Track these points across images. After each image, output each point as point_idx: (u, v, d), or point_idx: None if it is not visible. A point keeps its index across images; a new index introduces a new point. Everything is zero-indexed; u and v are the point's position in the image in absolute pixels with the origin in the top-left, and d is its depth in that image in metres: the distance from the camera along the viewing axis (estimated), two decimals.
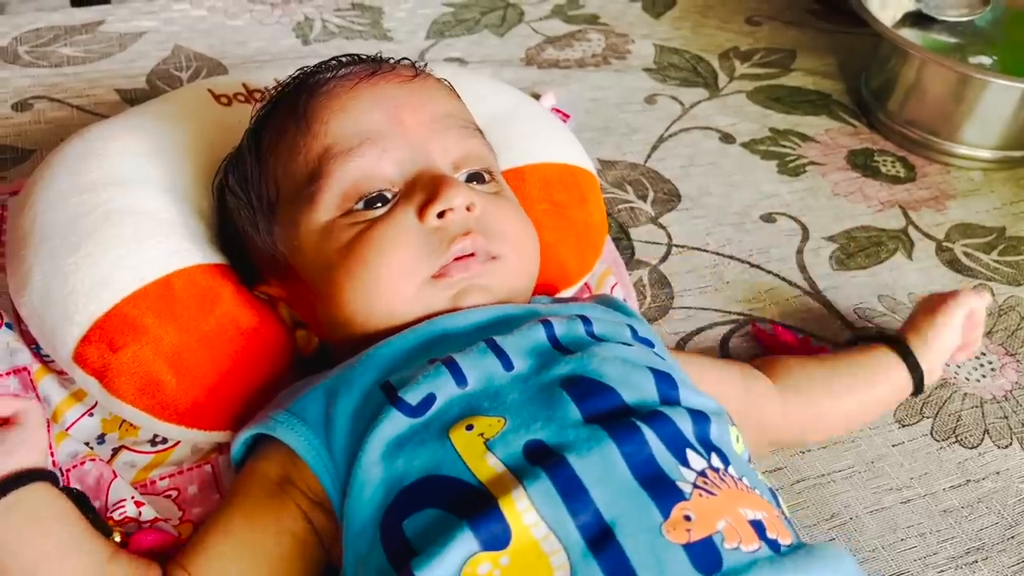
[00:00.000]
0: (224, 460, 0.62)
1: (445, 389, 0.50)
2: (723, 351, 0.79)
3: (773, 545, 0.45)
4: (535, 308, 0.59)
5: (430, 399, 0.49)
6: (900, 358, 0.70)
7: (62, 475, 0.58)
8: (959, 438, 0.73)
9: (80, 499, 0.54)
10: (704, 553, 0.43)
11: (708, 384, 0.57)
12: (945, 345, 0.72)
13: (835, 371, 0.69)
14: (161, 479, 0.61)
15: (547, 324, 0.55)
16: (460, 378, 0.50)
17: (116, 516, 0.56)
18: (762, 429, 0.65)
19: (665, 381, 0.52)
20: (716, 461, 0.48)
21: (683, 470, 0.46)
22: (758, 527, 0.45)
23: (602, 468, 0.45)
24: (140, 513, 0.57)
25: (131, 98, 0.98)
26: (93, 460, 0.59)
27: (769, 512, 0.47)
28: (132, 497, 0.57)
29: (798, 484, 0.68)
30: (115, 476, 0.58)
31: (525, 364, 0.52)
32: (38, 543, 0.49)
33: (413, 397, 0.49)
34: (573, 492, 0.44)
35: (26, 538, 0.49)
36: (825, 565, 0.44)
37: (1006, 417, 0.76)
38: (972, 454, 0.72)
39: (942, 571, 0.64)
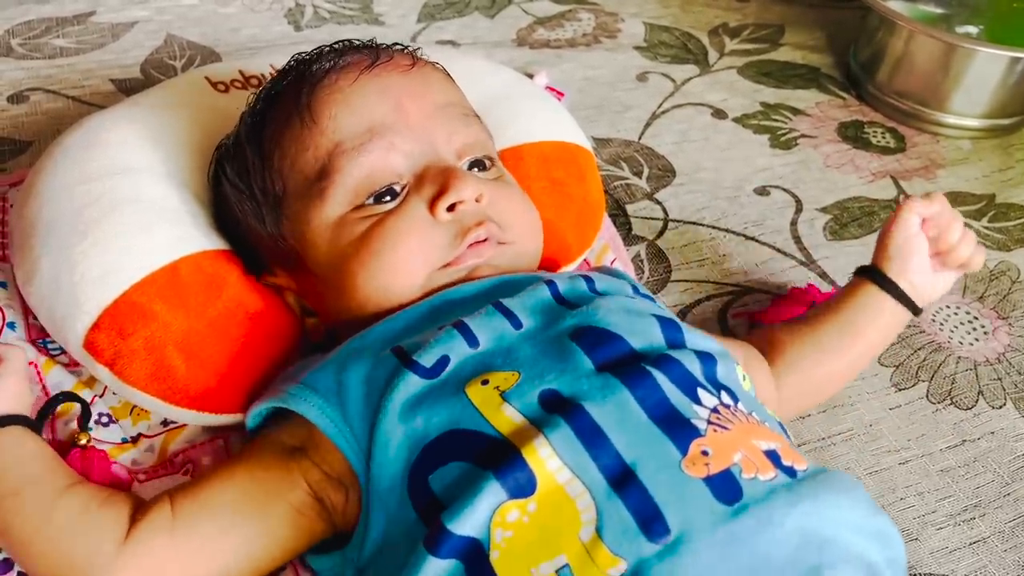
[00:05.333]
0: (236, 436, 0.63)
1: (458, 350, 0.51)
2: (721, 322, 0.80)
3: (789, 471, 0.47)
4: (538, 273, 0.61)
5: (444, 360, 0.51)
6: (882, 289, 0.68)
7: None
8: (954, 400, 0.75)
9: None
10: (724, 485, 0.44)
11: None
12: (915, 257, 0.68)
13: (825, 334, 0.68)
14: (175, 456, 0.62)
15: (551, 284, 0.56)
16: (471, 339, 0.52)
17: None
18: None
19: (669, 326, 0.54)
20: (726, 398, 0.50)
21: (696, 408, 0.48)
22: (773, 456, 0.47)
23: (619, 413, 0.47)
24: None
25: (126, 88, 0.98)
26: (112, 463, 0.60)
27: (781, 442, 0.49)
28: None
29: (799, 448, 0.70)
30: (132, 480, 0.60)
31: (533, 321, 0.54)
32: None
33: (428, 359, 0.50)
34: (593, 437, 0.45)
35: None
36: (839, 488, 0.46)
37: (999, 379, 0.77)
38: (967, 415, 0.74)
39: (941, 528, 0.65)
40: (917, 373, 0.77)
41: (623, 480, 0.44)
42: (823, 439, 0.71)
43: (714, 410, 0.48)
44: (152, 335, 0.59)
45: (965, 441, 0.72)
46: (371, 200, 0.58)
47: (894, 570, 0.47)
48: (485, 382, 0.49)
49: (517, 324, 0.53)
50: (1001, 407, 0.75)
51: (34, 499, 0.51)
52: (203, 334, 0.60)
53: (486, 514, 0.44)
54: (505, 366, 0.50)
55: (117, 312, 0.59)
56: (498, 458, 0.45)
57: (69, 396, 0.61)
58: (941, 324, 0.82)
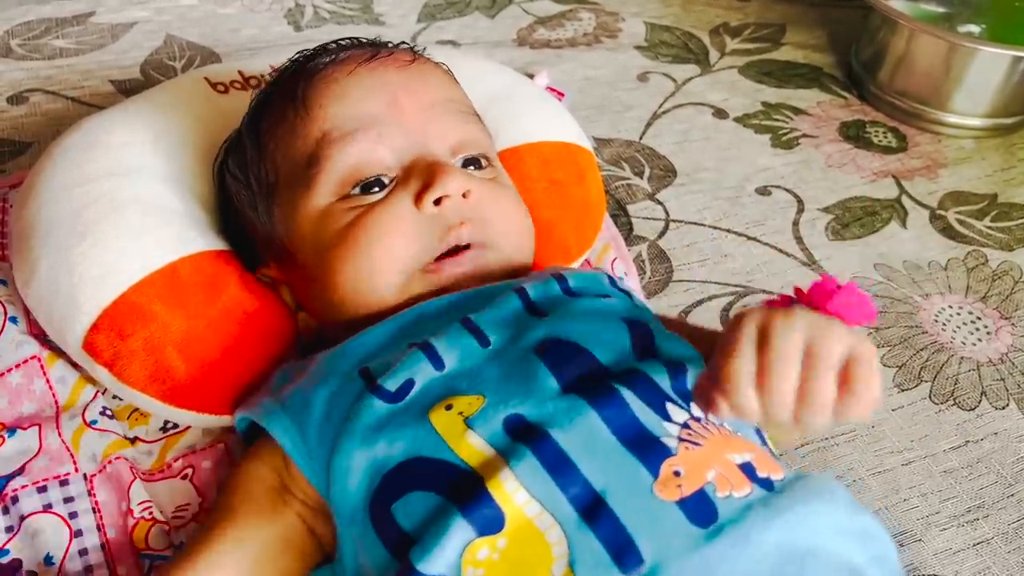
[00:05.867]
0: (236, 439, 0.63)
1: (423, 373, 0.50)
2: (723, 322, 0.80)
3: (766, 483, 0.45)
4: (512, 281, 0.58)
5: (409, 384, 0.50)
6: None
7: (87, 481, 0.58)
8: (957, 401, 0.75)
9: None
10: (698, 507, 0.43)
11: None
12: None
13: None
14: (175, 460, 0.62)
15: (521, 291, 0.55)
16: (437, 362, 0.51)
17: (146, 515, 0.58)
18: None
19: (640, 331, 0.53)
20: (696, 410, 0.48)
21: (666, 424, 0.46)
22: (748, 469, 0.45)
23: (586, 437, 0.45)
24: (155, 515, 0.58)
25: (126, 89, 0.98)
26: (114, 460, 0.60)
27: (755, 451, 0.47)
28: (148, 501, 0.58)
29: (802, 448, 0.69)
30: (135, 478, 0.59)
31: (500, 336, 0.52)
32: None
33: (392, 384, 0.50)
34: (560, 466, 0.44)
35: None
36: (818, 496, 0.45)
37: (1002, 379, 0.77)
38: (970, 416, 0.74)
39: (944, 529, 0.65)
40: (920, 374, 0.77)
41: (593, 509, 0.43)
42: (826, 440, 0.70)
43: (684, 425, 0.46)
44: (151, 336, 0.59)
45: (968, 442, 0.72)
46: (357, 190, 0.58)
47: (882, 566, 0.45)
48: (449, 407, 0.48)
49: (484, 341, 0.52)
50: (1004, 408, 0.75)
51: None
52: (203, 335, 0.60)
53: (456, 552, 0.43)
54: (470, 389, 0.49)
55: (116, 313, 0.59)
56: (465, 493, 0.44)
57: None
58: (944, 324, 0.81)
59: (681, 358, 0.52)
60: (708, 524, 0.42)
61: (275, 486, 0.53)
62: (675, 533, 0.42)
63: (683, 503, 0.43)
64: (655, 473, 0.44)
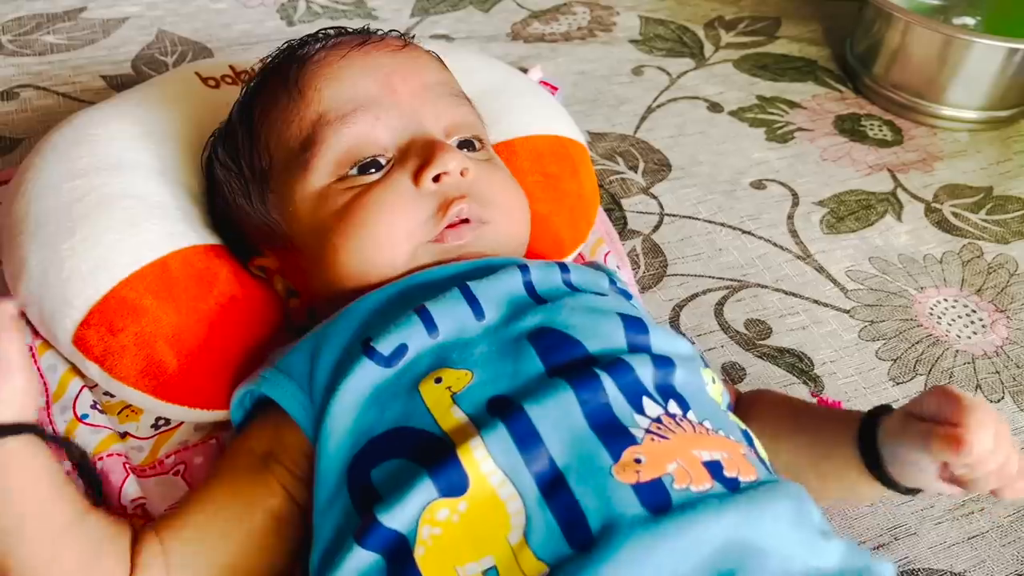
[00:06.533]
0: (229, 435, 0.62)
1: (416, 338, 0.51)
2: (717, 316, 0.79)
3: (730, 483, 0.45)
4: (516, 258, 0.59)
5: (402, 349, 0.50)
6: (863, 460, 0.52)
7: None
8: None
9: (69, 446, 0.55)
10: (652, 493, 0.43)
11: None
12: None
13: (786, 451, 0.56)
14: (167, 457, 0.62)
15: (524, 269, 0.55)
16: (431, 326, 0.51)
17: (138, 512, 0.57)
18: None
19: (634, 326, 0.53)
20: (674, 407, 0.49)
21: (637, 417, 0.47)
22: (714, 467, 0.46)
23: (557, 416, 0.46)
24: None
25: (117, 84, 0.97)
26: (106, 457, 0.59)
27: (732, 452, 0.47)
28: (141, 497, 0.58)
29: None
30: (128, 474, 0.59)
31: (496, 313, 0.53)
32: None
33: (385, 347, 0.50)
34: (528, 441, 0.45)
35: None
36: (779, 499, 0.45)
37: (997, 372, 0.77)
38: None
39: (939, 523, 0.65)
40: (915, 367, 0.77)
41: (553, 486, 0.44)
42: None
43: (656, 420, 0.47)
44: (142, 331, 0.59)
45: None
46: (355, 171, 0.58)
47: None
48: (438, 380, 0.49)
49: (480, 314, 0.53)
50: (999, 400, 0.74)
51: (40, 536, 0.47)
52: (194, 329, 0.60)
53: (416, 510, 0.44)
54: (460, 363, 0.50)
55: (107, 308, 0.59)
56: (435, 456, 0.45)
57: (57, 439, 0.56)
58: (939, 317, 0.81)
59: (672, 354, 0.52)
60: (659, 510, 0.43)
61: (261, 453, 0.53)
62: (625, 512, 0.43)
63: (638, 487, 0.43)
64: (616, 457, 0.45)
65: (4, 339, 0.47)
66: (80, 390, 0.62)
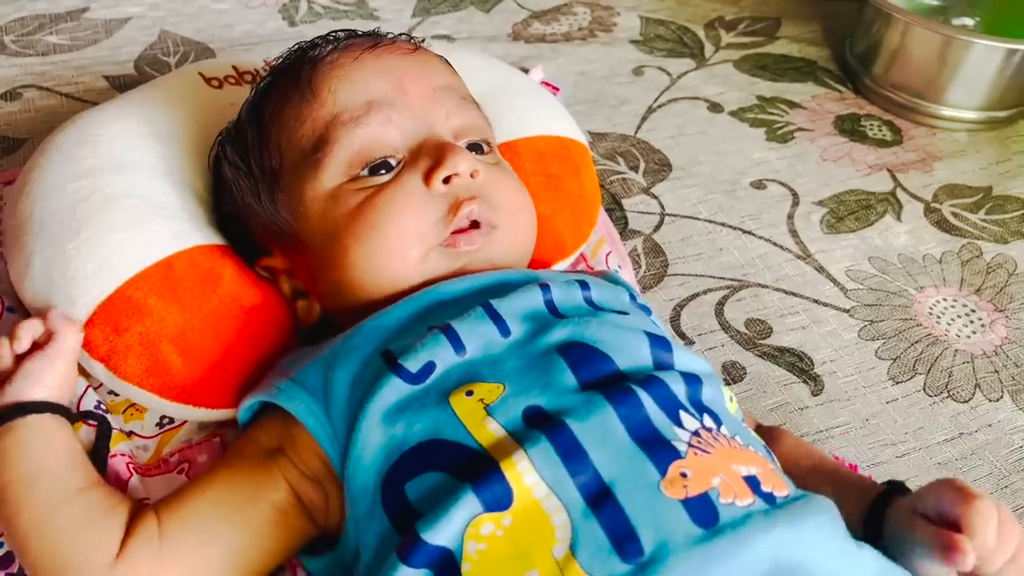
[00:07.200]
0: (232, 432, 0.63)
1: (444, 357, 0.51)
2: (718, 316, 0.80)
3: (768, 498, 0.46)
4: (534, 273, 0.60)
5: (430, 366, 0.50)
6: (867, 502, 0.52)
7: None
8: (951, 393, 0.75)
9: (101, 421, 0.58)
10: (701, 508, 0.43)
11: None
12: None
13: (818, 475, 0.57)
14: (171, 455, 0.62)
15: (545, 288, 0.55)
16: (458, 345, 0.51)
17: None
18: None
19: (660, 344, 0.53)
20: (708, 421, 0.49)
21: (677, 430, 0.47)
22: (752, 482, 0.46)
23: (600, 431, 0.46)
24: None
25: (120, 84, 0.97)
26: (111, 458, 0.59)
27: (763, 467, 0.48)
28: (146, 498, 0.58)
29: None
30: (131, 475, 0.59)
31: (521, 329, 0.53)
32: (14, 469, 0.52)
33: (413, 364, 0.50)
34: (572, 454, 0.45)
35: (6, 463, 0.52)
36: (816, 514, 0.45)
37: (996, 371, 0.77)
38: (964, 408, 0.74)
39: None
40: (914, 366, 0.77)
41: (600, 499, 0.44)
42: (820, 432, 0.71)
43: (695, 433, 0.47)
44: (147, 330, 0.59)
45: (962, 434, 0.72)
46: (366, 172, 0.58)
47: None
48: (470, 393, 0.48)
49: (505, 331, 0.52)
50: (998, 400, 0.75)
51: (45, 494, 0.51)
52: (198, 329, 0.60)
53: (460, 525, 0.43)
54: (491, 377, 0.49)
55: (111, 308, 0.59)
56: (477, 470, 0.45)
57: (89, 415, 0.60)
58: (938, 317, 0.82)
59: (697, 372, 0.53)
60: (709, 525, 0.43)
61: (269, 447, 0.53)
62: (677, 529, 0.42)
63: (687, 503, 0.43)
64: (663, 472, 0.44)
65: (63, 333, 0.57)
66: (85, 389, 0.62)
